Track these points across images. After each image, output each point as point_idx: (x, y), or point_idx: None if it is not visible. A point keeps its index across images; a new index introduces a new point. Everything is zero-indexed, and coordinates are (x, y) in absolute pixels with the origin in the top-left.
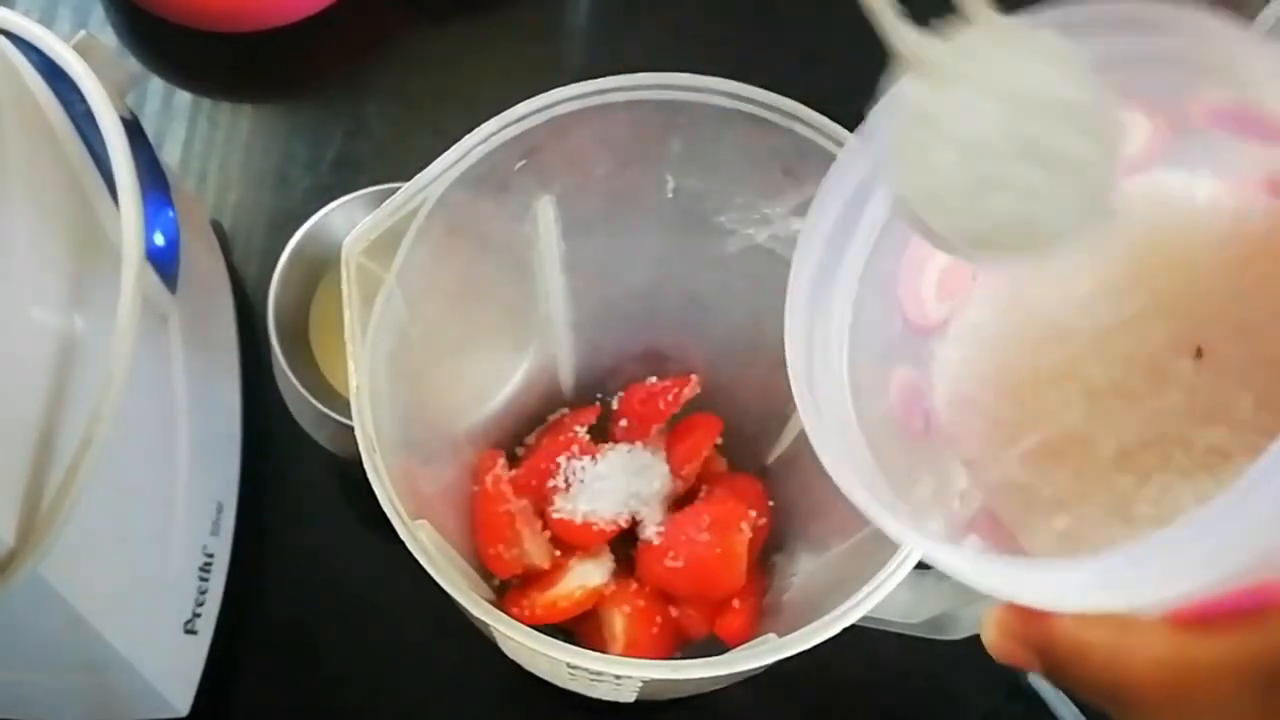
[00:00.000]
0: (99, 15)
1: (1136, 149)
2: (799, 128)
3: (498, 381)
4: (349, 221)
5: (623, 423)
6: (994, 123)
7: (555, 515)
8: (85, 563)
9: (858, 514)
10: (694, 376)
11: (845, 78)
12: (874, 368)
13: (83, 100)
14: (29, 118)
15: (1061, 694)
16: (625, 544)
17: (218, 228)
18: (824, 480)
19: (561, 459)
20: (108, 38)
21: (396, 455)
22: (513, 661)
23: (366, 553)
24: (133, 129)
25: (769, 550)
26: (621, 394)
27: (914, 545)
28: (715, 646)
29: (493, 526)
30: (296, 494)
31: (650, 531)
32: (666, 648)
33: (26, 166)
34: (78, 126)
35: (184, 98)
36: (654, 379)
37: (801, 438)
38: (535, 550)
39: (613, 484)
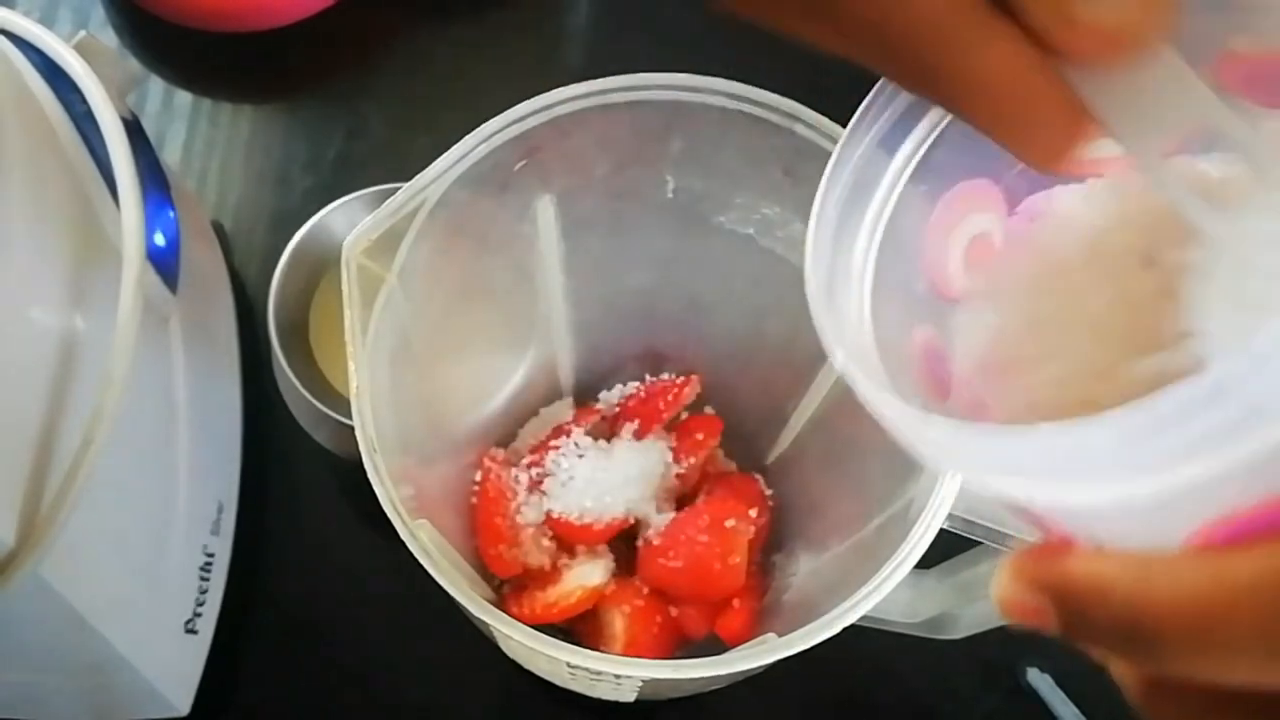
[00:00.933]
0: (99, 16)
1: None
2: (799, 128)
3: (498, 381)
4: (349, 221)
5: (623, 422)
6: None
7: (555, 515)
8: (86, 563)
9: (857, 513)
10: (694, 376)
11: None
12: (896, 320)
13: (83, 101)
14: (30, 118)
15: (1061, 694)
16: (625, 544)
17: (218, 228)
18: (824, 480)
19: (562, 459)
20: (108, 38)
21: (396, 455)
22: (513, 661)
23: (367, 552)
24: (133, 129)
25: (769, 550)
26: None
27: (890, 414)
28: (715, 646)
29: (493, 526)
30: (297, 494)
31: (650, 531)
32: (666, 647)
33: (27, 167)
34: (78, 127)
35: (184, 98)
36: (654, 379)
37: (801, 437)
38: (535, 550)
39: (613, 484)
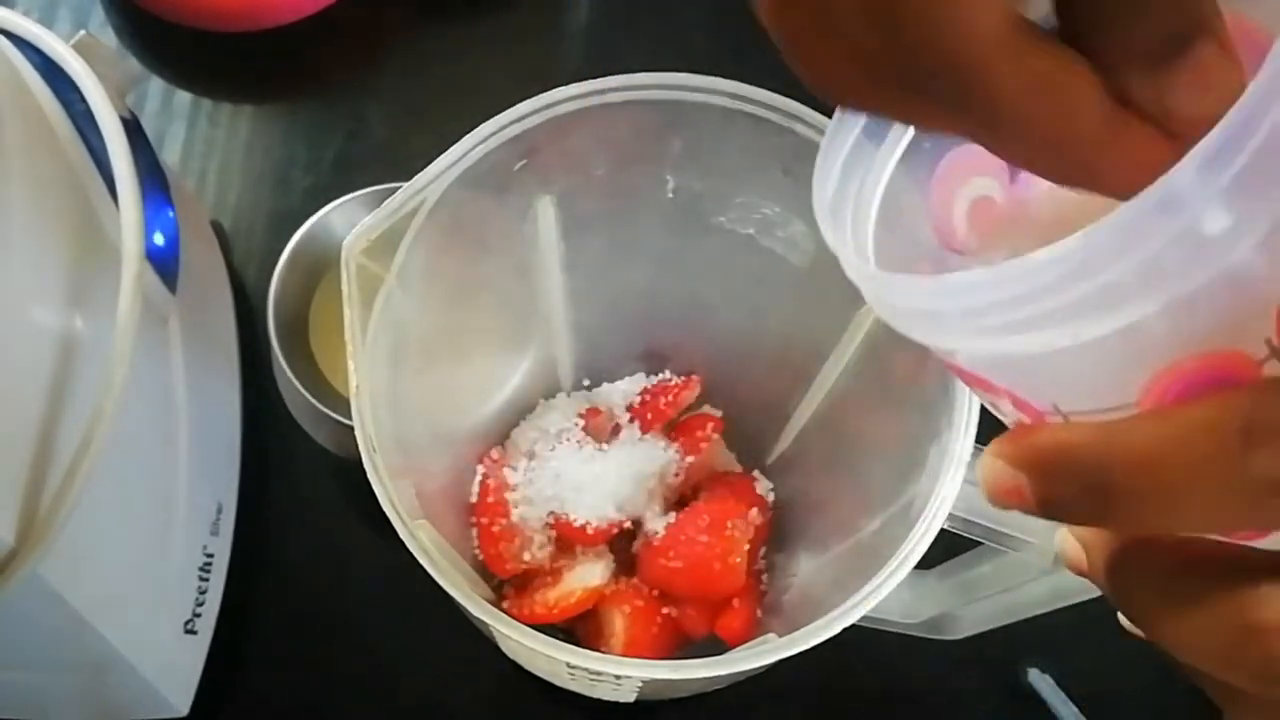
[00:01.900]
0: (99, 16)
1: None
2: (799, 128)
3: (498, 381)
4: (349, 221)
5: (623, 423)
6: None
7: (555, 515)
8: (85, 563)
9: (858, 513)
10: (694, 377)
11: None
12: (900, 256)
13: (83, 100)
14: (29, 118)
15: (1062, 694)
16: (625, 544)
17: (218, 228)
18: (824, 480)
19: (562, 459)
20: (107, 38)
21: (396, 455)
22: (513, 661)
23: (366, 552)
24: (133, 129)
25: (769, 550)
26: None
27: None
28: (715, 646)
29: (492, 526)
30: (296, 494)
31: (650, 531)
32: (666, 648)
33: (27, 167)
34: (78, 127)
35: (184, 98)
36: (654, 379)
37: (801, 437)
38: (535, 550)
39: (613, 484)
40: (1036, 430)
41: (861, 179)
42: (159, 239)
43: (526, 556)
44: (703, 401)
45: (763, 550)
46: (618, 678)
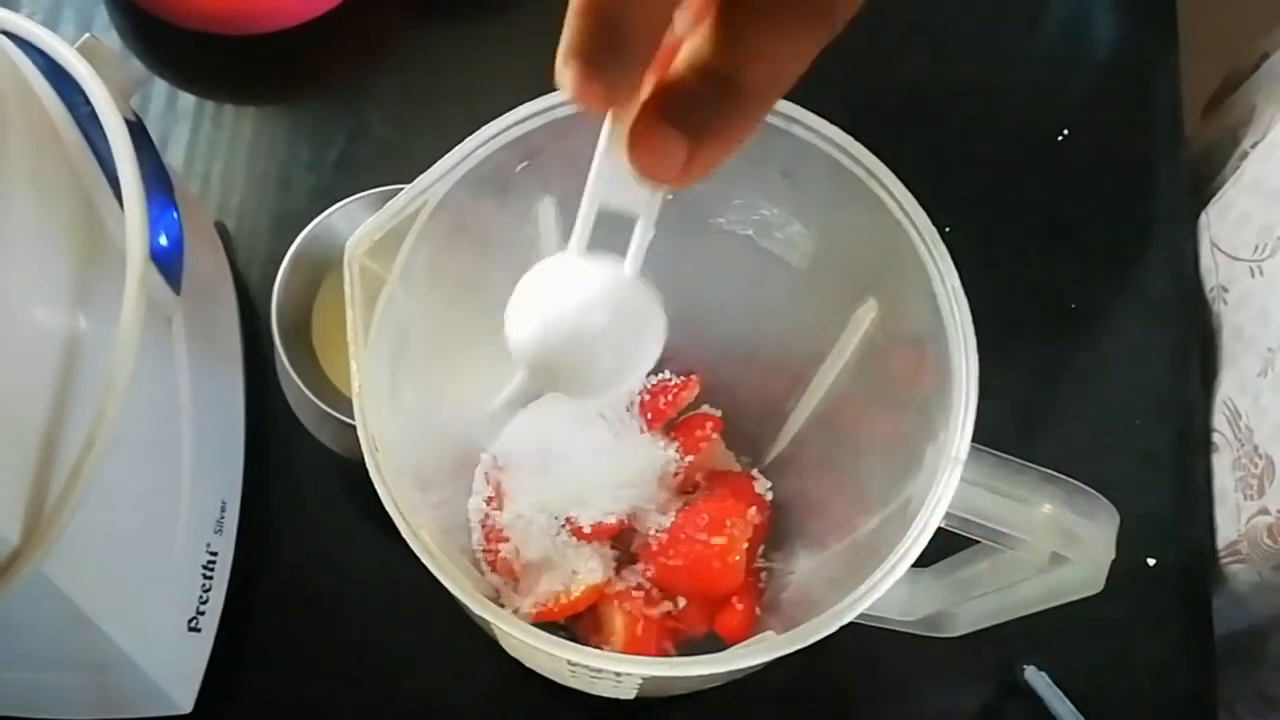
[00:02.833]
0: (103, 18)
1: None
2: (797, 130)
3: (499, 381)
4: (351, 223)
5: (623, 422)
6: None
7: (556, 514)
8: (89, 561)
9: (855, 512)
10: (694, 377)
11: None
12: None
13: (87, 102)
14: (34, 120)
15: (1058, 691)
16: (625, 542)
17: (221, 229)
18: (822, 479)
19: (562, 458)
20: (112, 40)
21: (397, 454)
22: (514, 658)
23: (368, 551)
24: (137, 131)
25: (768, 548)
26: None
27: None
28: (715, 644)
29: (493, 525)
30: (299, 493)
31: (650, 530)
32: (666, 645)
33: (32, 168)
34: (82, 129)
35: (188, 100)
36: (654, 379)
37: (800, 437)
38: (536, 548)
39: (613, 483)
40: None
41: None
42: (163, 240)
43: (527, 554)
44: (702, 401)
45: (761, 549)
46: (618, 675)
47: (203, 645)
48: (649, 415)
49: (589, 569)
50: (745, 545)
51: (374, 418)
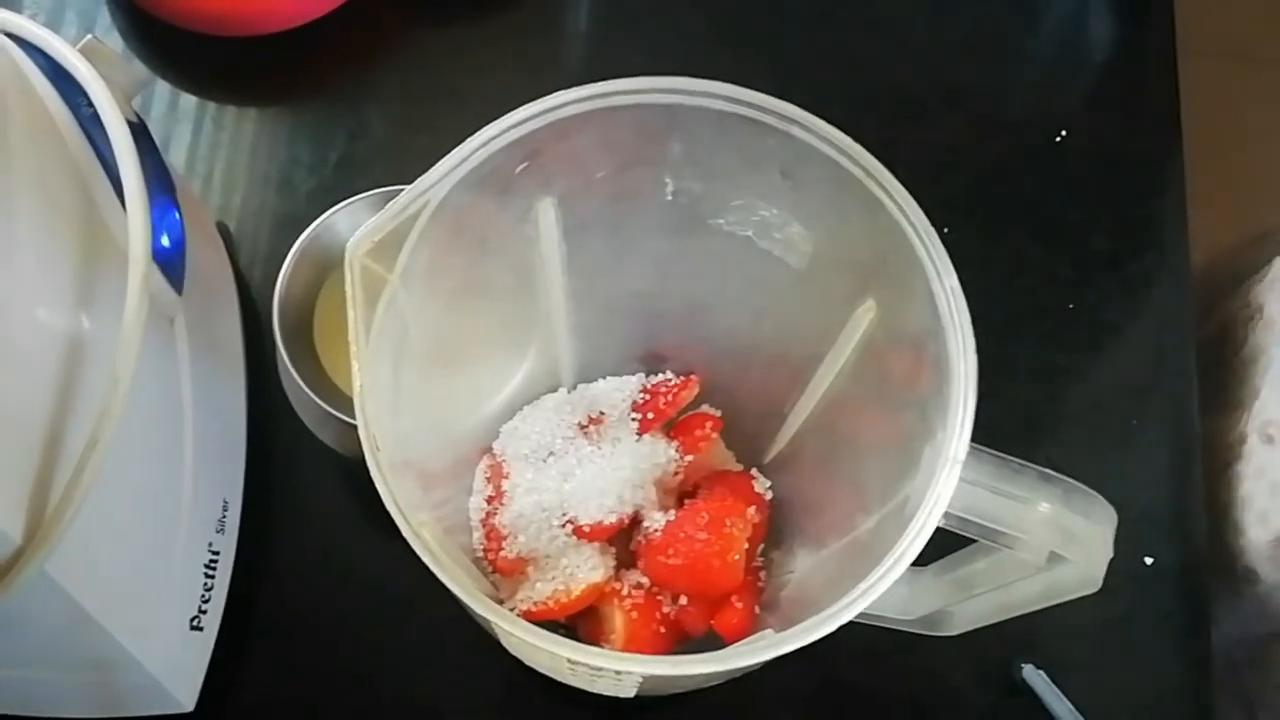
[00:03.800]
0: (105, 20)
1: None
2: (797, 131)
3: (499, 381)
4: (353, 223)
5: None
6: None
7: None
8: (92, 560)
9: (854, 511)
10: (694, 377)
11: (843, 81)
12: None
13: (89, 104)
14: (36, 121)
15: (1056, 690)
16: (625, 541)
17: (223, 229)
18: (821, 478)
19: (562, 457)
20: (114, 42)
21: (399, 453)
22: (514, 657)
23: (370, 550)
24: (139, 132)
25: (767, 547)
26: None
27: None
28: (714, 643)
29: (494, 524)
30: (301, 492)
31: (650, 529)
32: (666, 644)
33: (34, 169)
34: (84, 130)
35: (189, 101)
36: (654, 378)
37: (799, 436)
38: (536, 547)
39: (613, 482)
40: None
41: None
42: (165, 240)
43: (527, 554)
44: (701, 401)
45: (760, 548)
46: (618, 673)
47: (205, 644)
48: (649, 415)
49: (589, 568)
50: (745, 544)
51: (375, 417)
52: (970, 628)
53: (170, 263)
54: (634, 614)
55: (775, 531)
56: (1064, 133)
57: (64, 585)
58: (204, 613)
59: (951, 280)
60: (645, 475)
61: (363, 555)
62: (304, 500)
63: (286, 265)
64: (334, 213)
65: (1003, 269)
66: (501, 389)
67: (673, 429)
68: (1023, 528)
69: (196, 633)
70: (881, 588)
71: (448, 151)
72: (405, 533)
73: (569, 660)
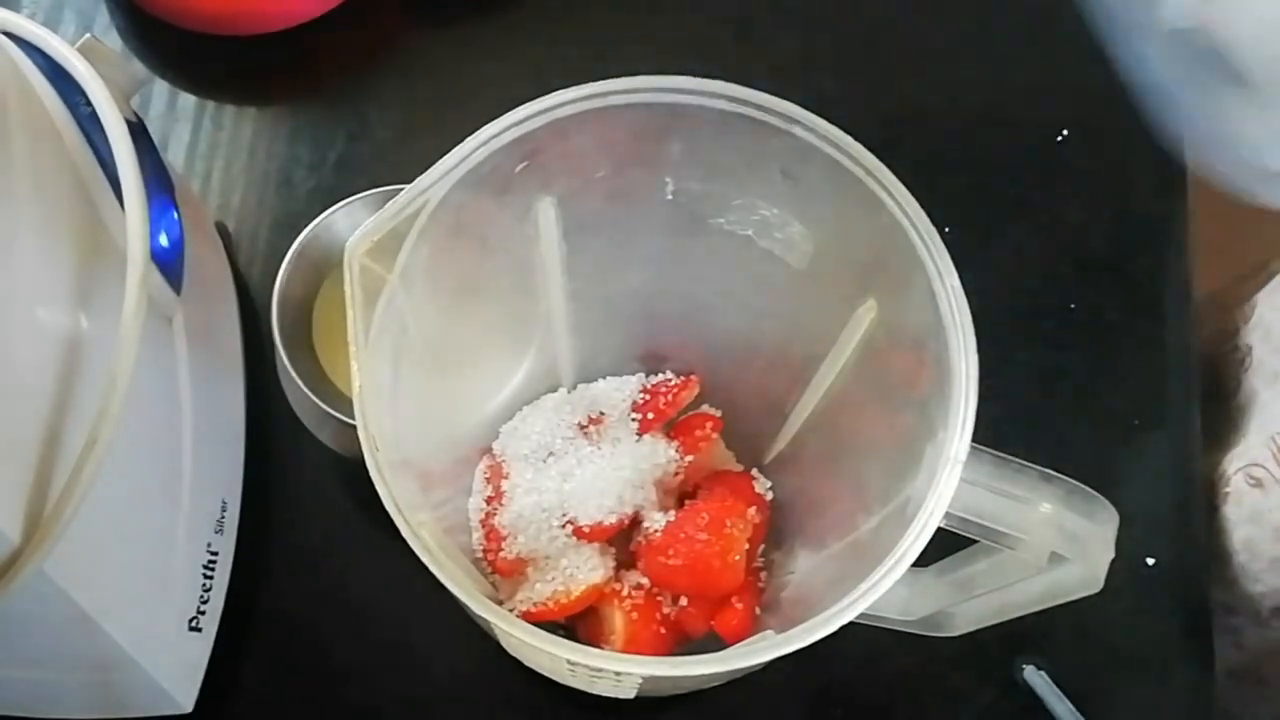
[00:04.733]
0: (103, 19)
1: None
2: (797, 130)
3: (499, 381)
4: (352, 223)
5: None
6: None
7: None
8: (90, 561)
9: (855, 512)
10: (694, 377)
11: (843, 81)
12: None
13: (88, 103)
14: (35, 120)
15: (1057, 691)
16: (625, 541)
17: (222, 229)
18: (822, 478)
19: (562, 458)
20: (112, 41)
21: (398, 453)
22: (514, 657)
23: (369, 550)
24: (138, 131)
25: (767, 548)
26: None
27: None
28: (714, 644)
29: (493, 524)
30: (300, 492)
31: (650, 530)
32: (666, 645)
33: (32, 168)
34: (83, 129)
35: (188, 100)
36: (654, 378)
37: (799, 437)
38: (536, 548)
39: (613, 483)
40: None
41: None
42: (164, 240)
43: (527, 554)
44: (702, 401)
45: (761, 548)
46: (617, 674)
47: (203, 644)
48: (649, 415)
49: (589, 569)
50: (745, 545)
51: (374, 417)
52: (971, 628)
53: (169, 262)
54: (634, 615)
55: (776, 532)
56: (1064, 133)
57: (62, 586)
58: (202, 613)
59: (952, 280)
60: (645, 475)
61: (362, 555)
62: (303, 500)
63: (285, 265)
64: (333, 212)
65: (1003, 269)
66: (501, 389)
67: (673, 429)
68: (1024, 528)
69: (195, 633)
70: (882, 588)
71: (447, 151)
72: (405, 533)
73: (569, 661)
